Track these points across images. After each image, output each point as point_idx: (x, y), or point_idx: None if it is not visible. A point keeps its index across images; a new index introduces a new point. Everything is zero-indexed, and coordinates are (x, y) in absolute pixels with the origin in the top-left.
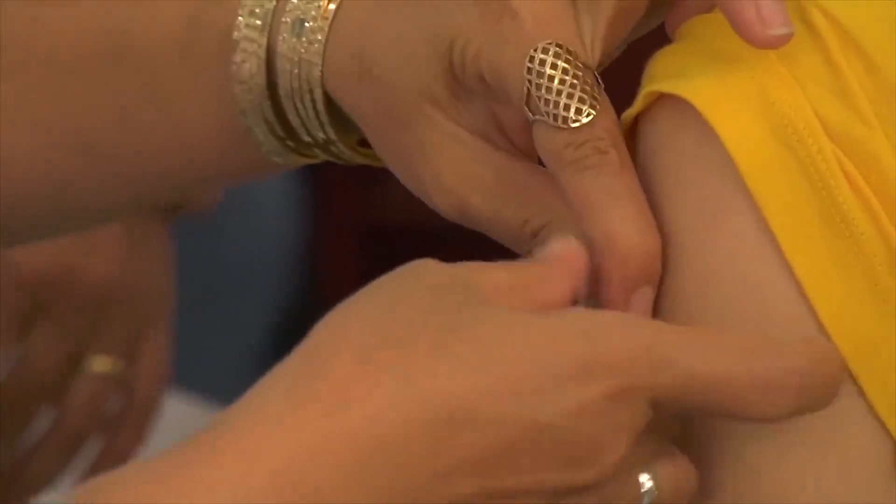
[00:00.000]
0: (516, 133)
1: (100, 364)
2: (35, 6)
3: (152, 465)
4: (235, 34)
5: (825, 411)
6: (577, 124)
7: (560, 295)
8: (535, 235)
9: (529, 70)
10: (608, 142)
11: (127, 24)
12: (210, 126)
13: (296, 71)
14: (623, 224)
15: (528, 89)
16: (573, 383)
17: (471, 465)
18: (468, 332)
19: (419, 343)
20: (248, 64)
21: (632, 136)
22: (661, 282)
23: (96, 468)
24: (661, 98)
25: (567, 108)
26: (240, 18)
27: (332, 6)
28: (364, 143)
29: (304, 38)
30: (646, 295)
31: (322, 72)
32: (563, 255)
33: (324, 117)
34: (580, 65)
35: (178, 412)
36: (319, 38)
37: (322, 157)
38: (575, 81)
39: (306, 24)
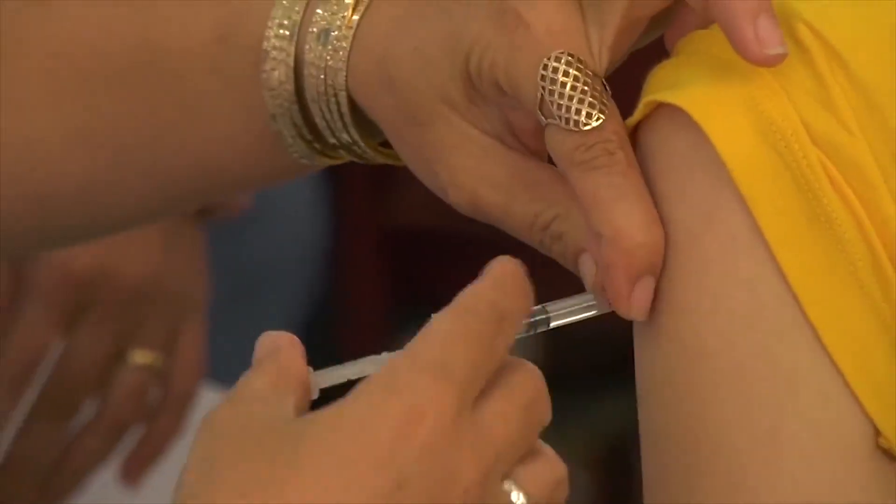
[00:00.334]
0: (527, 136)
1: (140, 357)
2: (73, 21)
3: None
4: (265, 45)
5: (812, 400)
6: (587, 127)
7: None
8: (545, 228)
9: (543, 77)
10: (616, 143)
11: (160, 38)
12: (240, 132)
13: (322, 77)
14: (629, 219)
15: (542, 95)
16: (401, 440)
17: None
18: (293, 448)
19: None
20: (278, 72)
21: (633, 142)
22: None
23: (136, 454)
24: (660, 107)
25: (578, 112)
26: (269, 31)
27: (356, 17)
28: (385, 143)
29: (329, 47)
30: (648, 284)
31: (346, 77)
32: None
33: (348, 120)
34: (589, 72)
35: (212, 403)
36: (344, 45)
37: (346, 157)
38: (585, 88)
39: (332, 34)
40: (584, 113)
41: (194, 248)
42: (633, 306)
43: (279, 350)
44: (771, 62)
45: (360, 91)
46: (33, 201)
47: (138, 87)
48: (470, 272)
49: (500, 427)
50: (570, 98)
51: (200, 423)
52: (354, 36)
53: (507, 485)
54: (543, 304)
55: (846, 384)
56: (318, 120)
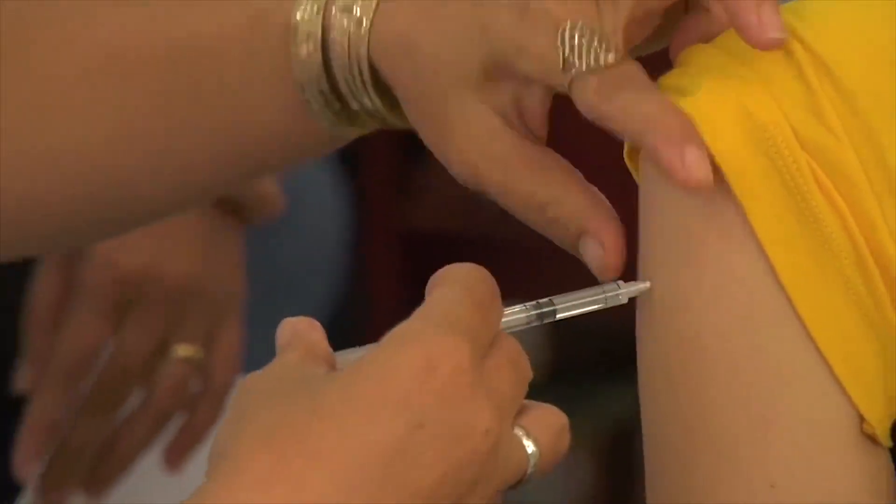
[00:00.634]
0: (536, 119)
1: (183, 351)
2: (114, 21)
3: None
4: (294, 21)
5: (801, 389)
6: (609, 62)
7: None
8: (541, 210)
9: (562, 41)
10: (636, 69)
11: (196, 29)
12: (273, 109)
13: (346, 46)
14: (653, 106)
15: (563, 56)
16: (417, 386)
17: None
18: (326, 396)
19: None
20: (306, 45)
21: (638, 148)
22: (657, 273)
23: (178, 441)
24: None
25: (597, 55)
26: (298, 10)
27: None
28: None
29: (353, 19)
30: (694, 150)
31: (368, 46)
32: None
33: (369, 86)
34: (601, 34)
35: None
36: (368, 16)
37: (369, 124)
38: (600, 39)
39: (356, 6)
40: (602, 55)
41: (233, 251)
42: (691, 167)
43: (304, 331)
44: (770, 45)
45: (380, 59)
46: (80, 190)
47: (177, 78)
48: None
49: (504, 378)
50: (589, 47)
51: (237, 388)
52: (377, 8)
53: (518, 430)
54: (550, 297)
55: (833, 374)
56: (342, 86)
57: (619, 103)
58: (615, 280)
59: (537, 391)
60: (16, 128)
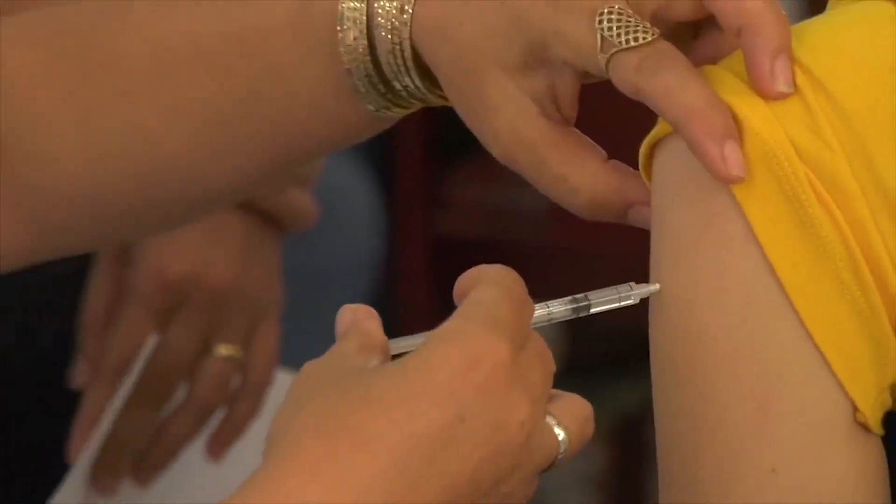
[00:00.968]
0: (567, 103)
1: (224, 350)
2: (171, 11)
3: None
4: (340, 8)
5: (798, 380)
6: (644, 41)
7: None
8: (574, 192)
9: (599, 23)
10: (670, 48)
11: (247, 18)
12: (320, 92)
13: (389, 30)
14: (698, 98)
15: (601, 37)
16: (459, 381)
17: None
18: (373, 385)
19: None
20: (352, 30)
21: (650, 155)
22: (666, 275)
23: (220, 433)
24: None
25: (635, 33)
26: (341, 3)
27: None
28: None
29: (395, 4)
30: (733, 145)
31: (410, 30)
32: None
33: (411, 66)
34: (634, 14)
35: (284, 387)
36: (410, 1)
37: (411, 103)
38: (636, 20)
39: None
40: (640, 35)
41: (271, 257)
42: (730, 164)
43: (361, 320)
44: (776, 97)
45: (422, 43)
46: (141, 177)
47: (230, 65)
48: (532, 287)
49: (536, 372)
50: (627, 26)
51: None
52: None
53: (549, 419)
54: (585, 293)
55: (828, 366)
56: (386, 68)
57: (661, 82)
58: (628, 283)
59: (555, 383)
60: (96, 111)
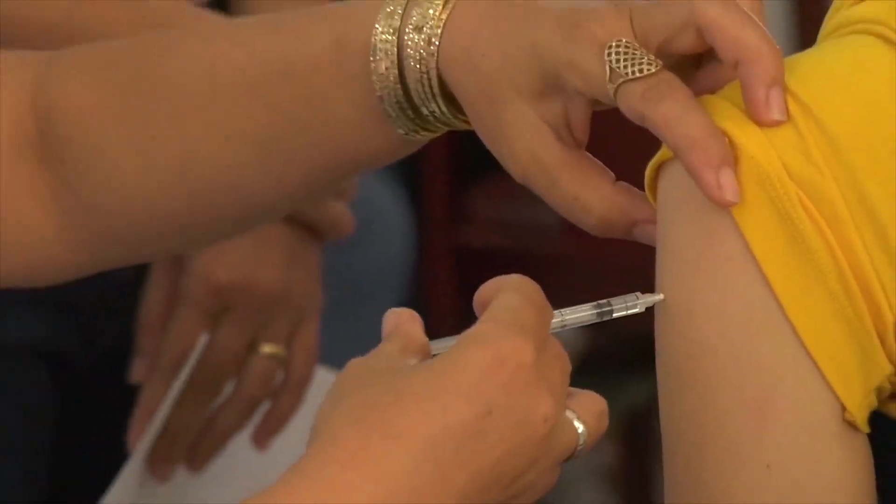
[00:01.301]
0: (579, 127)
1: (268, 349)
2: (221, 45)
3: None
4: (373, 41)
5: (792, 384)
6: (649, 72)
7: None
8: (585, 211)
9: (608, 55)
10: (672, 78)
11: (290, 51)
12: (355, 117)
13: (418, 60)
14: (699, 128)
15: (609, 68)
16: (487, 379)
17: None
18: (406, 379)
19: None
20: (384, 61)
21: (656, 177)
22: (670, 285)
23: (265, 424)
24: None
25: (640, 65)
26: (376, 33)
27: (444, 14)
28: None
29: (423, 37)
30: (728, 172)
31: (437, 61)
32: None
33: (437, 94)
34: (640, 47)
35: (323, 383)
36: (437, 33)
37: (437, 128)
38: (641, 52)
39: (426, 26)
40: (644, 65)
41: (311, 264)
42: (725, 190)
43: (404, 323)
44: (770, 124)
45: (447, 72)
46: (193, 195)
47: (275, 93)
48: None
49: (556, 371)
50: (633, 58)
51: (343, 370)
52: (444, 28)
53: (569, 414)
54: (608, 299)
55: (819, 371)
56: (414, 95)
57: (664, 110)
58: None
59: (571, 381)
60: (150, 136)
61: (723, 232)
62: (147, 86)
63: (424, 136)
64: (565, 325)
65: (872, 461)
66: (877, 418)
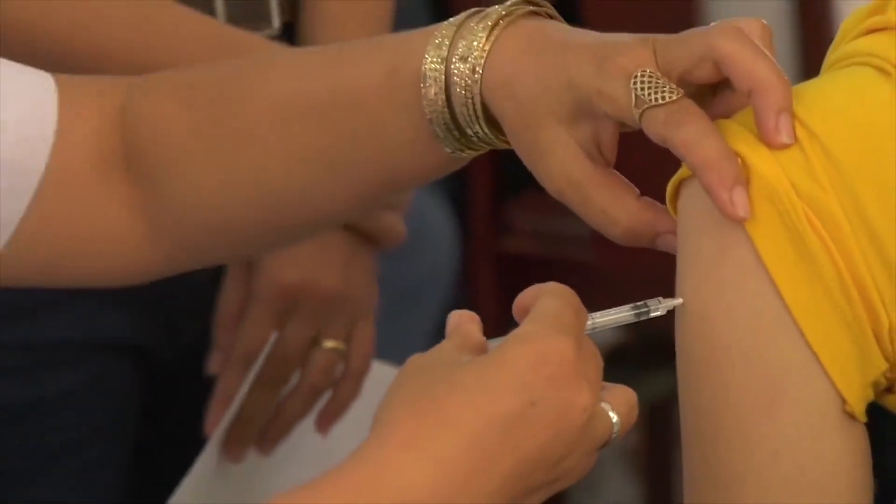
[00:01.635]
0: (608, 148)
1: (330, 344)
2: (289, 72)
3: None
4: (423, 70)
5: (798, 379)
6: (670, 99)
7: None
8: (613, 223)
9: (634, 83)
10: (691, 105)
11: (348, 79)
12: (408, 136)
13: (463, 87)
14: (714, 150)
15: (635, 95)
16: (532, 374)
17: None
18: (455, 375)
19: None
20: (434, 88)
21: (676, 194)
22: (689, 290)
23: (327, 411)
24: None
25: (663, 94)
26: (426, 62)
27: (487, 46)
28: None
29: (468, 66)
30: (741, 190)
31: (481, 89)
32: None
33: (480, 117)
34: (663, 78)
35: (378, 375)
36: (480, 63)
37: (480, 146)
38: (663, 82)
39: (471, 57)
40: (666, 93)
41: (367, 268)
42: (737, 207)
43: (464, 323)
44: (779, 147)
45: (490, 98)
46: (265, 206)
47: (336, 116)
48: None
49: (592, 366)
50: (656, 87)
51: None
52: (487, 59)
53: (604, 405)
54: (645, 301)
55: (822, 368)
56: (460, 118)
57: (683, 134)
58: (657, 297)
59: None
60: (227, 153)
61: (736, 243)
62: (224, 109)
63: (469, 155)
64: (596, 328)
65: (869, 448)
66: (874, 410)
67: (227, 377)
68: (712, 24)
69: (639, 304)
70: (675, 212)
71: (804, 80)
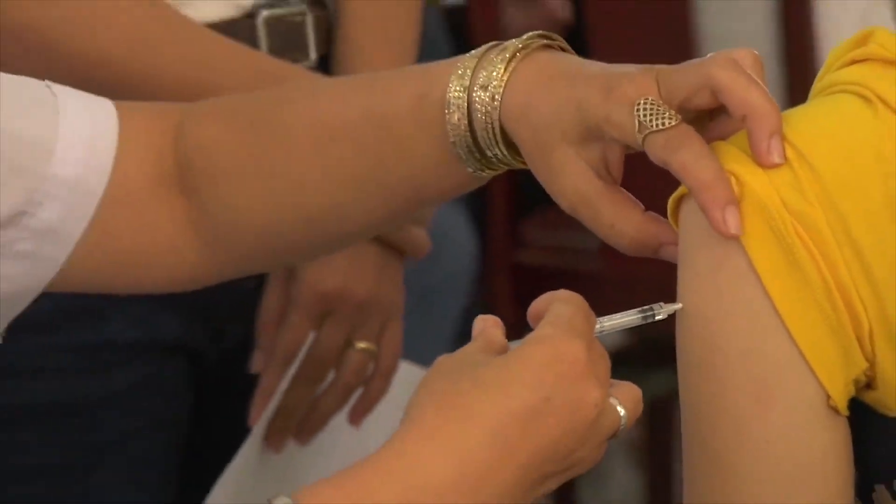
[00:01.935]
0: (615, 168)
1: (362, 345)
2: (326, 99)
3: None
4: (448, 97)
5: (788, 377)
6: (670, 125)
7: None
8: (620, 236)
9: (637, 110)
10: (689, 131)
11: (380, 104)
12: (433, 157)
13: (484, 113)
14: (708, 172)
15: (638, 121)
16: (546, 372)
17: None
18: (480, 372)
19: (462, 385)
20: (457, 114)
21: (677, 209)
22: (686, 296)
23: (359, 405)
24: None
25: (663, 120)
26: (450, 91)
27: (506, 76)
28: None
29: (488, 94)
30: (733, 210)
31: (500, 115)
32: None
33: (500, 141)
34: (663, 104)
35: (405, 373)
36: (499, 92)
37: (499, 166)
38: (663, 109)
39: (491, 86)
40: (666, 119)
41: (396, 276)
42: (729, 225)
43: (488, 328)
44: (770, 166)
45: (508, 123)
46: (304, 221)
47: (368, 138)
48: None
49: (601, 366)
50: (658, 113)
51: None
52: (505, 88)
53: (612, 400)
54: (651, 305)
55: (809, 367)
56: (481, 141)
57: (681, 157)
58: (659, 302)
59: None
60: (269, 172)
61: (732, 254)
62: (267, 131)
63: (489, 174)
64: (604, 331)
65: (851, 438)
66: (855, 405)
67: (269, 375)
68: (709, 55)
69: (644, 308)
70: (677, 224)
71: (787, 75)
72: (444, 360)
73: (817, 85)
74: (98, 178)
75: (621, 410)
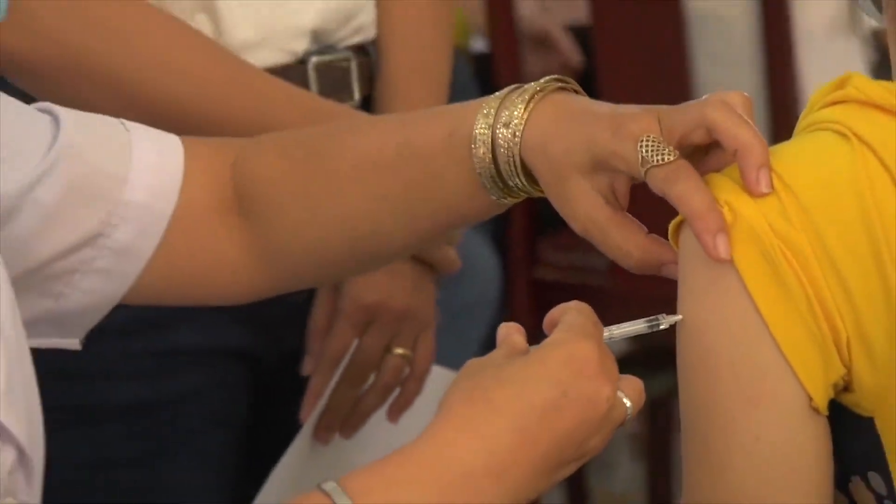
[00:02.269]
0: (622, 196)
1: (399, 350)
2: (366, 133)
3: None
4: (474, 133)
5: (774, 380)
6: (669, 160)
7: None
8: (627, 256)
9: (641, 146)
10: (687, 166)
11: (413, 138)
12: (460, 186)
13: (506, 147)
14: (702, 203)
15: (641, 156)
16: (563, 370)
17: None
18: (504, 371)
19: (486, 382)
20: (482, 148)
21: (677, 234)
22: (685, 309)
23: (396, 404)
24: None
25: (663, 156)
26: (476, 128)
27: (526, 115)
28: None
29: (510, 131)
30: (724, 237)
31: (520, 149)
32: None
33: (520, 172)
34: (664, 141)
35: (437, 376)
36: (519, 129)
37: (519, 195)
38: (663, 145)
39: (512, 123)
40: (666, 155)
41: (430, 291)
42: (720, 250)
43: (511, 334)
44: (759, 196)
45: (527, 156)
46: (348, 243)
47: (405, 170)
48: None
49: (610, 364)
50: (658, 149)
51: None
52: (525, 126)
53: (619, 393)
54: (657, 315)
55: (794, 372)
56: (503, 172)
57: (678, 189)
58: (662, 313)
59: None
60: (317, 199)
61: (725, 272)
62: (317, 164)
63: (510, 201)
64: (613, 338)
65: (830, 435)
66: (834, 406)
67: (318, 377)
68: (704, 97)
69: (650, 318)
70: (677, 246)
71: (771, 116)
72: (472, 363)
73: (801, 123)
74: (166, 203)
75: (627, 402)
